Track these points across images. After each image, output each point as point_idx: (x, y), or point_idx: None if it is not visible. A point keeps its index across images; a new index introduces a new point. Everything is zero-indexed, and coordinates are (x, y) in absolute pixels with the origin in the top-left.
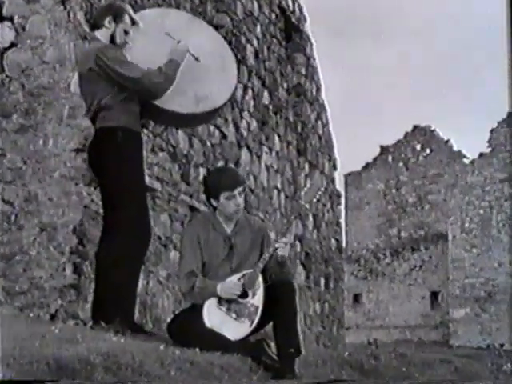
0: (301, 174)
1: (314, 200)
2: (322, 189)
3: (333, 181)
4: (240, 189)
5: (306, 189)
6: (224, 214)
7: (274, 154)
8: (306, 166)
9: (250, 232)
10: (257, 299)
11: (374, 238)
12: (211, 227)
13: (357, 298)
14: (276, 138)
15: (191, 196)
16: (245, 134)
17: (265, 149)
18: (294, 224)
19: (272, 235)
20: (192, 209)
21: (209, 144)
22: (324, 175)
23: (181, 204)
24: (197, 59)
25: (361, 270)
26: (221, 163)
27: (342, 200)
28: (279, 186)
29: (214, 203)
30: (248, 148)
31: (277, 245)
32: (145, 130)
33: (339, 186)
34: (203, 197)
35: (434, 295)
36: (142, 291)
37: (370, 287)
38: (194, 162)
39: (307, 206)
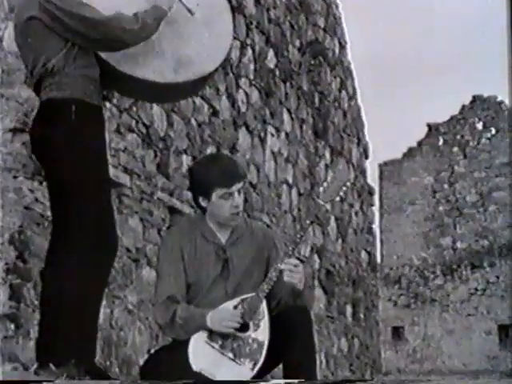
0: (319, 164)
1: (338, 199)
2: (349, 184)
3: (363, 173)
4: (239, 185)
5: (326, 184)
6: (217, 219)
7: (282, 136)
8: (327, 153)
9: (252, 242)
10: (261, 333)
11: (420, 250)
12: (199, 236)
13: (397, 332)
14: (285, 114)
15: (171, 194)
16: (243, 109)
17: (270, 129)
18: (310, 231)
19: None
20: (172, 211)
21: (194, 123)
22: (351, 165)
23: (157, 204)
24: (190, 11)
25: (402, 295)
26: (211, 149)
27: (376, 199)
28: (290, 179)
29: (204, 204)
30: (247, 128)
31: (282, 266)
32: (107, 104)
33: (372, 179)
34: (188, 195)
35: (504, 330)
36: (105, 323)
37: (414, 318)
38: (175, 148)
39: (328, 206)
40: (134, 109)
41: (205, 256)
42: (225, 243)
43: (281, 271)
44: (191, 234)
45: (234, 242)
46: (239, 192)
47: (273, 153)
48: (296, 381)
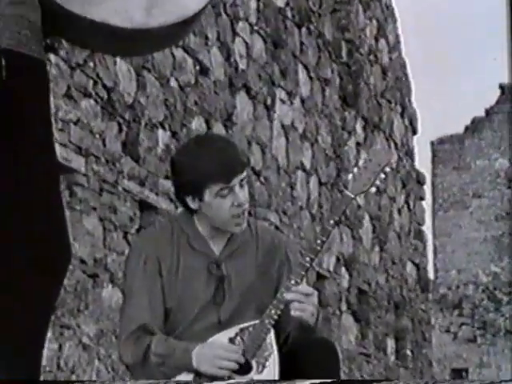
0: (348, 142)
1: (373, 190)
2: (388, 169)
3: (409, 154)
4: (241, 175)
5: (357, 169)
6: (212, 223)
7: (297, 103)
8: (359, 127)
9: (256, 252)
10: (268, 375)
11: (490, 263)
12: (184, 244)
13: (459, 376)
14: (301, 72)
15: (142, 183)
16: (242, 65)
17: (280, 94)
18: (335, 236)
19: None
20: (145, 207)
21: (174, 85)
22: (392, 143)
23: (123, 198)
24: None
25: (465, 324)
26: (198, 122)
27: (427, 190)
28: (308, 164)
29: (194, 205)
30: (248, 92)
31: (287, 296)
32: (53, 58)
33: (421, 163)
34: (166, 185)
35: None
36: (50, 363)
37: (483, 357)
38: (148, 120)
39: (360, 201)
40: (91, 64)
41: (191, 272)
42: (219, 255)
43: (297, 285)
44: (172, 240)
45: (232, 252)
46: (241, 185)
47: (283, 127)
48: (318, 381)
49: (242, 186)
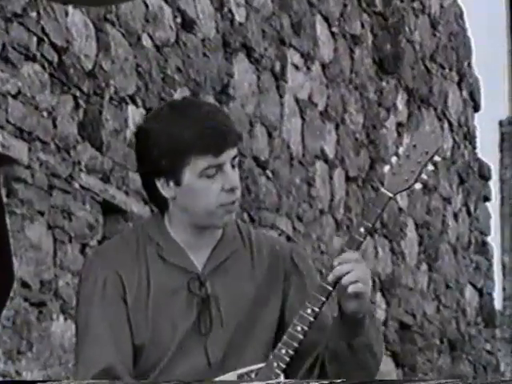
0: (385, 122)
1: (418, 186)
2: (439, 158)
3: (470, 138)
4: (232, 152)
5: (396, 160)
6: (193, 219)
7: (315, 68)
8: (400, 101)
9: (252, 264)
10: None
11: None
12: (154, 257)
13: None
14: (319, 25)
15: (106, 178)
16: (240, 16)
17: (293, 56)
18: (367, 249)
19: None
20: (109, 210)
21: (148, 44)
22: (446, 123)
23: (80, 198)
24: None
25: None
26: (182, 95)
27: (493, 187)
28: (331, 152)
29: (167, 192)
30: (249, 54)
31: (335, 263)
32: None
33: (484, 152)
34: (138, 181)
35: None
36: None
37: None
38: (114, 92)
39: (401, 201)
40: (33, 15)
41: (166, 293)
42: (202, 269)
43: (316, 315)
44: (138, 253)
45: (220, 265)
46: (233, 165)
47: (298, 102)
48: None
49: (233, 166)
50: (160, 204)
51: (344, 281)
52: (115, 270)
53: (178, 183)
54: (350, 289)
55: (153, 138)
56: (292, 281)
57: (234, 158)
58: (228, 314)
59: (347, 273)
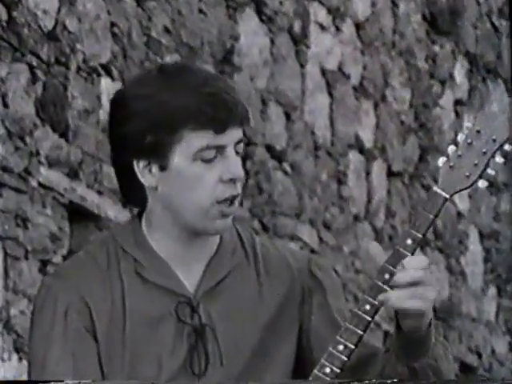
0: (439, 100)
1: (483, 184)
2: (510, 147)
3: None
4: (239, 133)
5: (454, 150)
6: (181, 218)
7: (347, 29)
8: (458, 70)
9: (258, 283)
10: None
11: None
12: (130, 275)
13: None
14: None
15: (74, 172)
16: None
17: (317, 12)
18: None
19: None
20: (77, 215)
21: None
22: None
23: (40, 199)
24: None
25: None
26: (170, 60)
27: None
28: (367, 139)
29: (147, 179)
30: (259, 10)
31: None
32: None
33: None
34: (110, 174)
35: None
36: None
37: None
38: (82, 60)
39: (460, 204)
40: None
41: (147, 324)
42: (195, 290)
43: (350, 352)
44: (109, 272)
45: (217, 285)
46: (237, 150)
47: (324, 73)
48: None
49: (237, 152)
50: (136, 200)
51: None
52: (80, 296)
53: (163, 167)
54: (409, 305)
55: (135, 104)
56: (313, 300)
57: (239, 142)
58: (229, 348)
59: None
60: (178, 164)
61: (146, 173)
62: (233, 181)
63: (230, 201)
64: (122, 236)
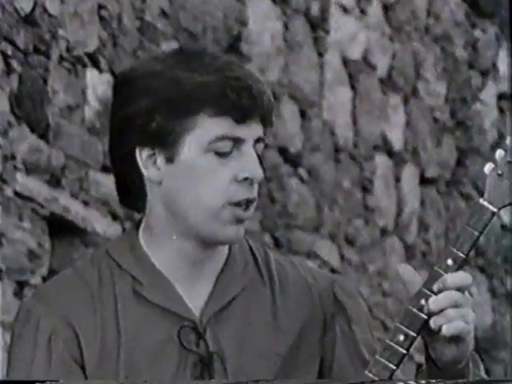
0: (480, 94)
1: None
2: None
3: None
4: (258, 128)
5: (502, 154)
6: (177, 230)
7: (372, 10)
8: (502, 59)
9: (272, 305)
10: None
11: None
12: (126, 295)
13: None
14: None
15: (56, 180)
16: None
17: None
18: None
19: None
20: (60, 229)
21: None
22: None
23: (16, 211)
24: None
25: None
26: (169, 47)
27: None
28: (396, 139)
29: (151, 171)
30: None
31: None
32: None
33: None
34: (104, 182)
35: None
36: None
37: None
38: (66, 49)
39: (508, 218)
40: None
41: (145, 351)
42: (201, 313)
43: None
44: (102, 294)
45: (226, 307)
46: (257, 147)
47: (346, 63)
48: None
49: (257, 148)
50: (135, 200)
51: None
52: (66, 320)
53: (170, 158)
54: (446, 330)
55: (145, 81)
56: (336, 328)
57: (259, 140)
58: (239, 380)
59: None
60: (188, 155)
61: (149, 164)
62: (249, 181)
63: (245, 205)
64: (117, 251)
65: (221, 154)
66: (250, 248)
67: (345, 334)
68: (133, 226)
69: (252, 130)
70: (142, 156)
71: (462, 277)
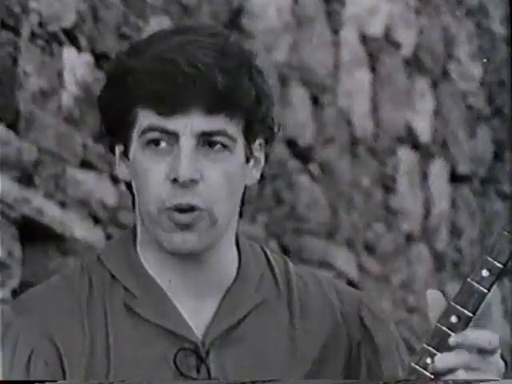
0: None
1: None
2: None
3: None
4: (200, 121)
5: None
6: (154, 234)
7: None
8: None
9: (290, 326)
10: None
11: None
12: (119, 310)
13: None
14: None
15: (27, 178)
16: None
17: None
18: (492, 301)
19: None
20: (34, 236)
21: None
22: None
23: None
24: None
25: None
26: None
27: None
28: (423, 131)
29: (120, 170)
30: None
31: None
32: None
33: None
34: (84, 180)
35: None
36: None
37: None
38: (38, 24)
39: None
40: None
41: (138, 377)
42: (204, 334)
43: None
44: (92, 307)
45: (234, 328)
46: (208, 143)
47: (365, 41)
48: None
49: (208, 145)
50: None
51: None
52: (48, 337)
53: (126, 153)
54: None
55: (114, 69)
56: (361, 359)
57: (209, 134)
58: None
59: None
60: (135, 150)
61: (119, 161)
62: (177, 181)
63: (187, 210)
64: (110, 257)
65: (155, 150)
66: (267, 258)
67: (371, 367)
68: (130, 230)
69: (187, 123)
70: (116, 152)
71: (486, 337)
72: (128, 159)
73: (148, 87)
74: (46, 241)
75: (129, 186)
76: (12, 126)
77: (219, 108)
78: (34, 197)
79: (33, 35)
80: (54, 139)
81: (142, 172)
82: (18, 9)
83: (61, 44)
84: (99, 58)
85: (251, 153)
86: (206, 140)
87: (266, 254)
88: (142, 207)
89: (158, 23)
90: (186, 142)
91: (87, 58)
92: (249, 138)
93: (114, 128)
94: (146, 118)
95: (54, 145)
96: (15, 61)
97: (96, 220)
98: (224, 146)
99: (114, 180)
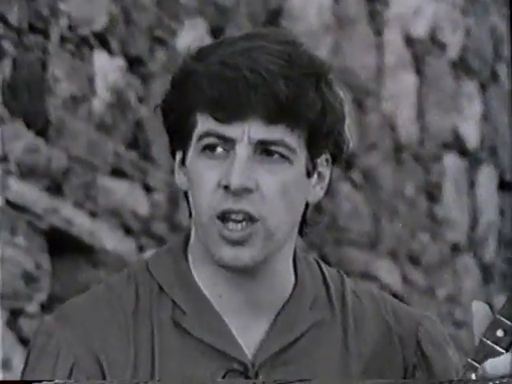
0: None
1: None
2: None
3: None
4: (257, 129)
5: None
6: (205, 244)
7: None
8: None
9: (344, 349)
10: None
11: None
12: (167, 327)
13: None
14: None
15: (56, 186)
16: None
17: None
18: None
19: None
20: (63, 249)
21: None
22: None
23: (10, 224)
24: None
25: None
26: (195, 33)
27: None
28: (465, 132)
29: (178, 177)
30: None
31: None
32: None
33: None
34: (112, 188)
35: None
36: None
37: None
38: (67, 27)
39: None
40: None
41: None
42: (254, 354)
43: None
44: (138, 321)
45: (287, 349)
46: (255, 150)
47: (410, 42)
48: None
49: (267, 154)
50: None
51: None
52: (91, 350)
53: (183, 160)
54: None
55: (173, 83)
56: (416, 382)
57: (269, 143)
58: None
59: None
60: (191, 156)
61: (177, 169)
62: (229, 188)
63: (235, 221)
64: (159, 267)
65: (210, 156)
66: (322, 274)
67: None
68: (181, 238)
69: (245, 130)
70: (176, 160)
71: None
72: (185, 166)
73: (207, 92)
74: (76, 252)
75: (186, 195)
76: (41, 133)
77: (279, 118)
78: (63, 206)
79: (62, 39)
80: (85, 147)
81: (197, 178)
82: (47, 11)
83: (92, 48)
84: (132, 62)
85: (314, 168)
86: (264, 149)
87: (321, 269)
88: (195, 216)
89: (192, 25)
90: (242, 150)
91: (119, 62)
92: (312, 152)
93: (175, 133)
94: (203, 123)
95: (85, 152)
96: (44, 66)
97: (127, 231)
98: (283, 157)
99: (147, 189)
